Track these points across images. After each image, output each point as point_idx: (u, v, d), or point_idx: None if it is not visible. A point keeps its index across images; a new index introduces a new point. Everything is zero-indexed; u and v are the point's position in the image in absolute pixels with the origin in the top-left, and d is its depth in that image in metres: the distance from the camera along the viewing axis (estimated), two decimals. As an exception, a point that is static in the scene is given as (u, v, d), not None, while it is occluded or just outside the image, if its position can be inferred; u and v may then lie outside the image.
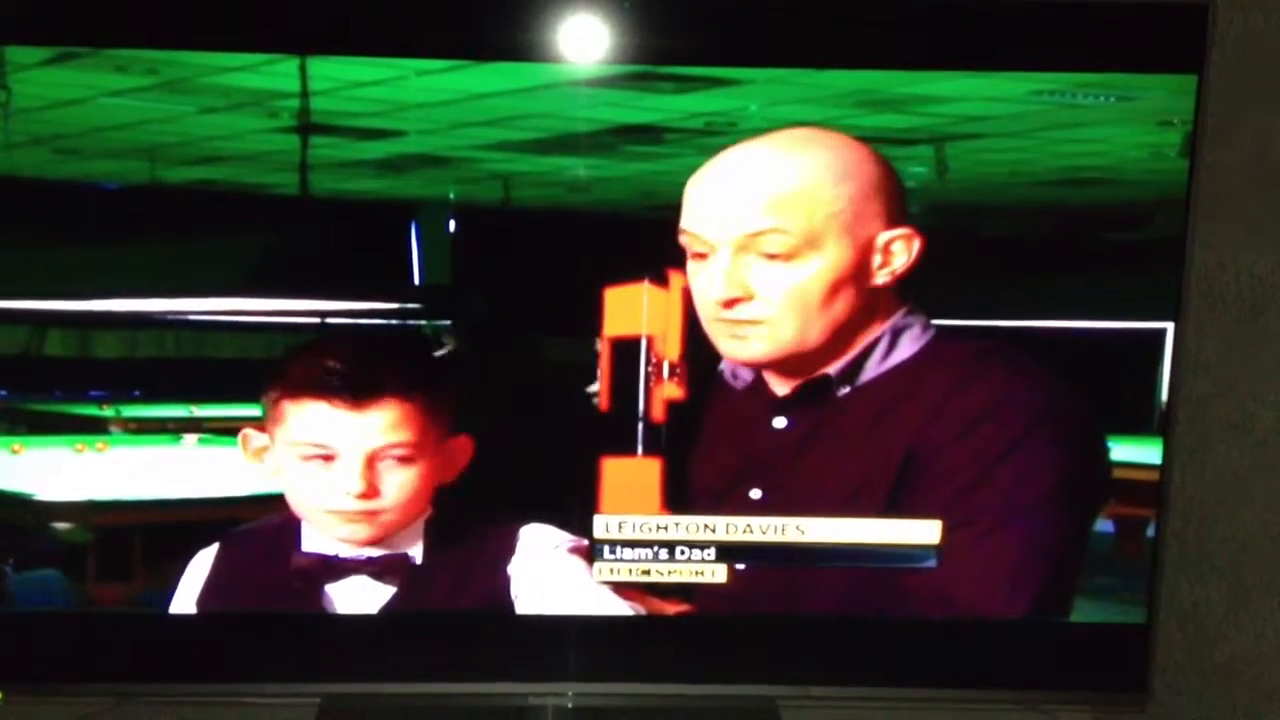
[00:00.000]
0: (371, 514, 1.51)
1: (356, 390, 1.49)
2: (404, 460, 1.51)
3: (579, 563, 1.58)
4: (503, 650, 1.70)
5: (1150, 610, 1.74)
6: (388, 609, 1.58)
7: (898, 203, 1.54)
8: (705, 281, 1.54)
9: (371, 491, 1.50)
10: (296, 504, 1.55)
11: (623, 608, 1.60)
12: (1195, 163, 1.63)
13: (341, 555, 1.56)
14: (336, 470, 1.50)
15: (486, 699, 1.74)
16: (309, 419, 1.49)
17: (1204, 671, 1.88)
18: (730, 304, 1.53)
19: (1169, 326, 1.69)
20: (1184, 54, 1.59)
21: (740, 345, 1.55)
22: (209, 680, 1.72)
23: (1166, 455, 1.70)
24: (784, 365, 1.57)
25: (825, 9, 1.60)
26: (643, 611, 1.59)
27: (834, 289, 1.52)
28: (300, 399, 1.49)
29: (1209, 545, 1.84)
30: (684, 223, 1.55)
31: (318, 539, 1.56)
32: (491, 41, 1.57)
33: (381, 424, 1.50)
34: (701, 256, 1.54)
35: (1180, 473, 1.78)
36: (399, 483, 1.52)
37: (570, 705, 1.73)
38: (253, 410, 1.61)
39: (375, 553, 1.56)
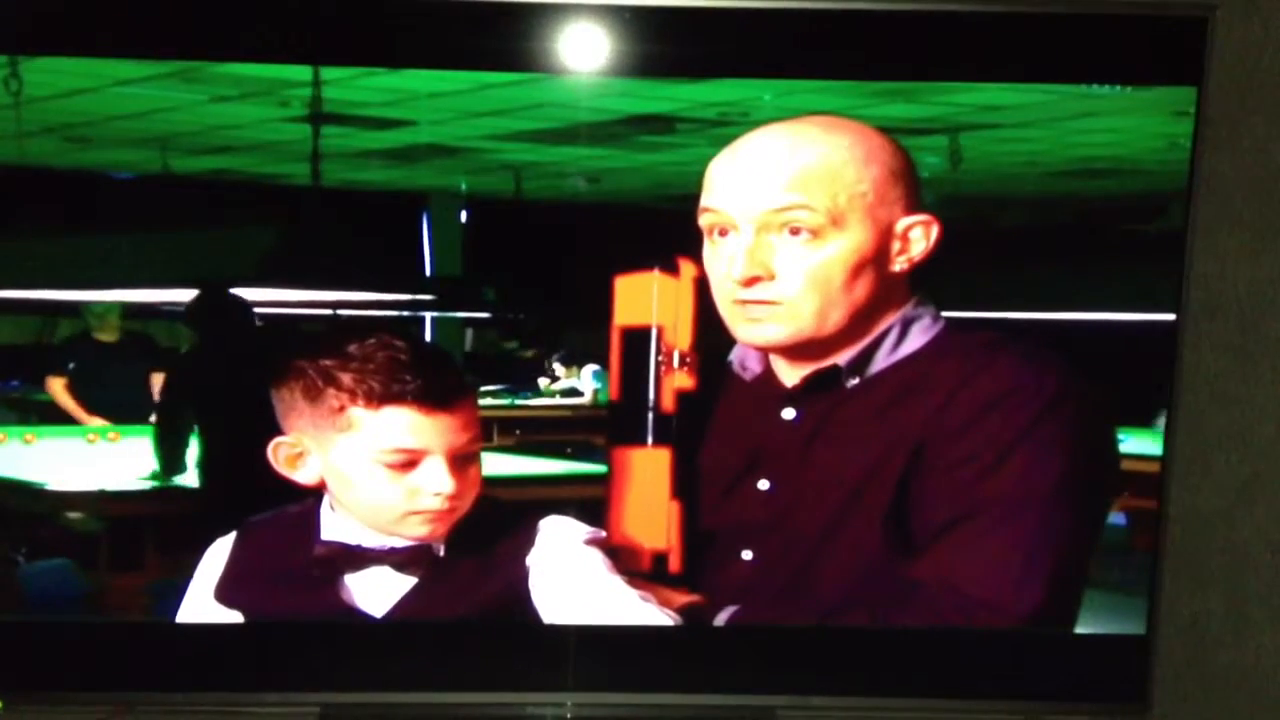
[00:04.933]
0: (453, 510, 1.53)
1: (446, 392, 1.50)
2: (475, 454, 1.53)
3: (598, 554, 1.58)
4: (501, 659, 1.70)
5: (1150, 621, 1.73)
6: (398, 608, 1.57)
7: (916, 191, 1.53)
8: (725, 261, 1.53)
9: (460, 488, 1.51)
10: (367, 507, 1.53)
11: (630, 604, 1.58)
12: (1195, 173, 1.62)
13: (365, 544, 1.55)
14: (422, 472, 1.50)
15: (485, 708, 1.74)
16: (395, 425, 1.49)
17: (1204, 682, 1.88)
18: (750, 283, 1.52)
19: (1181, 319, 1.69)
20: (1184, 66, 1.58)
21: (757, 328, 1.54)
22: (208, 689, 1.72)
23: (1166, 466, 1.70)
24: (797, 351, 1.56)
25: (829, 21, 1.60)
26: (653, 600, 1.58)
27: (854, 271, 1.51)
28: (381, 406, 1.49)
29: (1209, 556, 1.84)
30: (706, 200, 1.53)
31: (339, 528, 1.55)
32: (494, 50, 1.58)
33: (463, 422, 1.51)
34: (723, 234, 1.53)
35: (1179, 483, 1.77)
36: (475, 475, 1.54)
37: (569, 715, 1.73)
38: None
39: (400, 543, 1.55)
